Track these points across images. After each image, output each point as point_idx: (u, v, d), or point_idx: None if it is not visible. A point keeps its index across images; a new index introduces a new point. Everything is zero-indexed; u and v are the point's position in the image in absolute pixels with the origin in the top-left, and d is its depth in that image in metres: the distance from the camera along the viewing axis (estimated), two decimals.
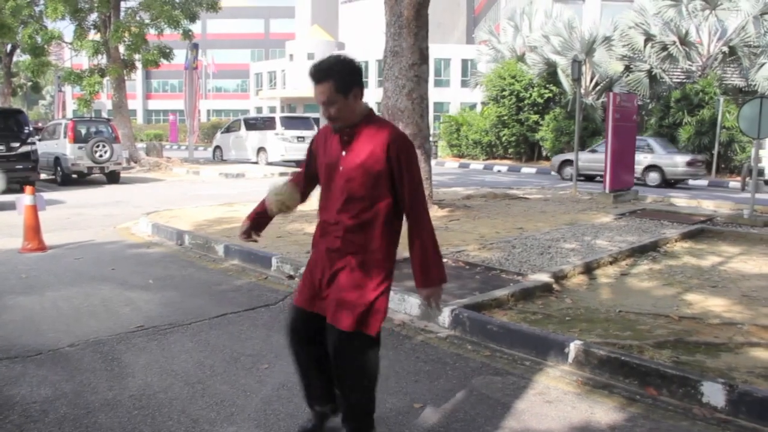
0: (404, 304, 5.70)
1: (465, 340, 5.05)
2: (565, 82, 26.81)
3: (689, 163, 19.77)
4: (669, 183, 20.00)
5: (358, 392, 3.20)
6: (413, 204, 3.06)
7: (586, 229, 9.40)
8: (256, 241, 3.56)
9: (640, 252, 8.05)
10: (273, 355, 4.64)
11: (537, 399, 4.04)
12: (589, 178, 21.11)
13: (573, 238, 8.60)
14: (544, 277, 6.38)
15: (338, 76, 2.97)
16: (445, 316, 5.30)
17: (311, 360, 3.30)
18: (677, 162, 19.83)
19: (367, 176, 3.00)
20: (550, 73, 27.61)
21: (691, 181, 20.75)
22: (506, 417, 3.81)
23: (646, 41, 25.50)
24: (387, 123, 3.14)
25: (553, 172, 23.14)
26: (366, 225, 3.07)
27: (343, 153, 3.08)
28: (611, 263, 7.41)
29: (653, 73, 25.25)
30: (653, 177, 20.04)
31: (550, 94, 27.66)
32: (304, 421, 3.53)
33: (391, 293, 5.67)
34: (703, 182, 21.05)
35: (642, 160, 19.41)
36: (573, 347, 4.50)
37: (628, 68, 26.22)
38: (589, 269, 7.02)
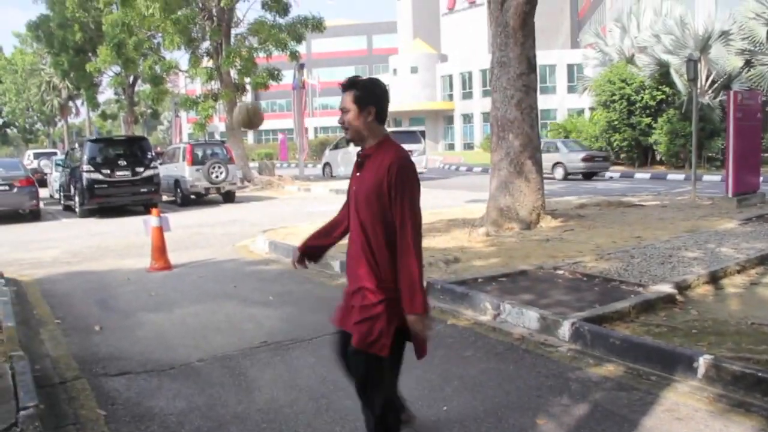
0: (522, 317, 5.63)
1: (586, 354, 4.93)
2: (679, 82, 25.71)
3: (584, 159, 24.57)
4: (586, 175, 24.89)
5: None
6: (402, 232, 3.02)
7: (709, 236, 8.98)
8: (306, 267, 3.69)
9: None
10: None
11: (666, 416, 3.90)
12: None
13: (695, 246, 8.24)
14: (667, 288, 6.14)
15: (360, 88, 3.17)
16: (565, 330, 5.20)
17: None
18: (575, 159, 24.70)
19: (370, 198, 3.08)
20: (662, 74, 26.55)
21: (607, 174, 25.79)
22: None
23: None
24: (393, 147, 3.16)
25: None
26: (371, 246, 3.10)
27: (357, 174, 3.23)
28: (739, 272, 7.04)
29: None
30: (559, 171, 25.07)
31: (663, 96, 26.61)
32: None
33: (509, 306, 5.70)
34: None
35: (550, 158, 24.41)
36: (702, 362, 4.31)
37: (748, 63, 24.85)
38: (714, 279, 6.71)
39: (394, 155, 3.10)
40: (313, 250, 3.60)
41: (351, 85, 3.19)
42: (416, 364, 4.61)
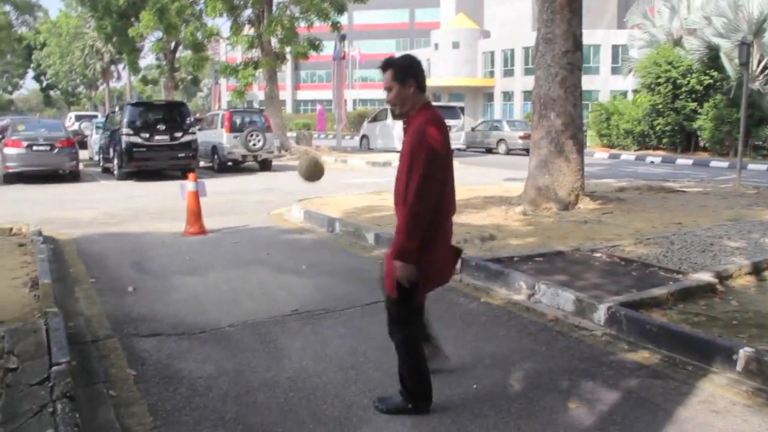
0: (557, 299, 5.53)
1: (621, 339, 4.83)
2: (729, 67, 24.94)
3: (522, 137, 26.72)
4: (526, 150, 26.24)
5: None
6: (408, 186, 3.38)
7: (753, 226, 8.73)
8: None
9: None
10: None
11: (701, 407, 3.79)
12: (489, 150, 29.87)
13: (738, 236, 8.01)
14: (707, 277, 5.98)
15: (397, 66, 3.56)
16: (600, 313, 5.10)
17: None
18: (515, 136, 28.71)
19: (405, 160, 3.44)
20: (711, 58, 25.78)
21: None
22: (667, 424, 3.60)
23: None
24: (423, 113, 3.52)
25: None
26: (402, 203, 3.43)
27: (403, 138, 3.60)
28: None
29: None
30: (502, 147, 29.24)
31: (710, 81, 25.85)
32: None
33: (544, 287, 5.61)
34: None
35: (496, 135, 29.72)
36: (742, 354, 4.18)
37: None
38: (757, 270, 6.50)
39: (418, 121, 3.47)
40: None
41: (388, 65, 3.58)
42: (448, 340, 4.58)
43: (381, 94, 3.77)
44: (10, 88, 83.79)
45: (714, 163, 23.01)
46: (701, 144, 27.11)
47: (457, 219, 8.99)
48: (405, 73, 3.54)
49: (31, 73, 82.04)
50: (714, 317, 5.06)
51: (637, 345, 4.72)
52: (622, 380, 4.14)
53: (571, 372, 4.27)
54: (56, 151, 16.81)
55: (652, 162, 25.05)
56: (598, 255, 6.99)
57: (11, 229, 9.03)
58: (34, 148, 16.62)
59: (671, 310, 5.25)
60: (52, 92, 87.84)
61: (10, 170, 16.50)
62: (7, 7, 43.58)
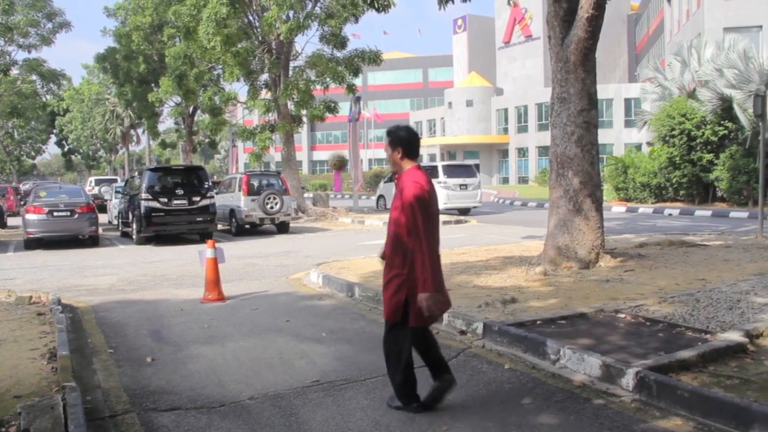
0: (583, 364, 5.39)
1: (652, 405, 4.67)
2: (743, 118, 24.94)
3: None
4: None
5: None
6: (414, 233, 4.26)
7: None
8: None
9: None
10: (449, 416, 4.51)
11: None
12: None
13: (765, 291, 7.82)
14: (736, 336, 5.82)
15: (392, 136, 4.57)
16: (629, 379, 4.95)
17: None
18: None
19: (395, 213, 4.38)
20: (725, 109, 25.82)
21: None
22: None
23: None
24: (410, 173, 4.42)
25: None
26: (395, 249, 4.40)
27: (394, 192, 4.50)
28: None
29: None
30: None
31: (725, 131, 25.84)
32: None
33: (569, 352, 5.48)
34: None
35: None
36: None
37: None
38: None
39: (407, 179, 4.37)
40: None
41: (387, 134, 4.60)
42: (472, 411, 4.46)
43: None
44: (33, 153, 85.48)
45: (733, 214, 22.81)
46: (719, 194, 26.93)
47: (477, 281, 8.94)
48: (396, 141, 4.51)
49: (53, 138, 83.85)
50: (747, 380, 4.90)
51: (668, 411, 4.56)
52: None
53: None
54: (76, 216, 17.05)
55: (670, 214, 24.88)
56: (622, 316, 6.85)
57: (30, 298, 9.03)
58: (55, 213, 16.89)
59: (701, 373, 5.08)
60: (73, 156, 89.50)
61: (31, 236, 16.75)
62: (34, 77, 45.14)
